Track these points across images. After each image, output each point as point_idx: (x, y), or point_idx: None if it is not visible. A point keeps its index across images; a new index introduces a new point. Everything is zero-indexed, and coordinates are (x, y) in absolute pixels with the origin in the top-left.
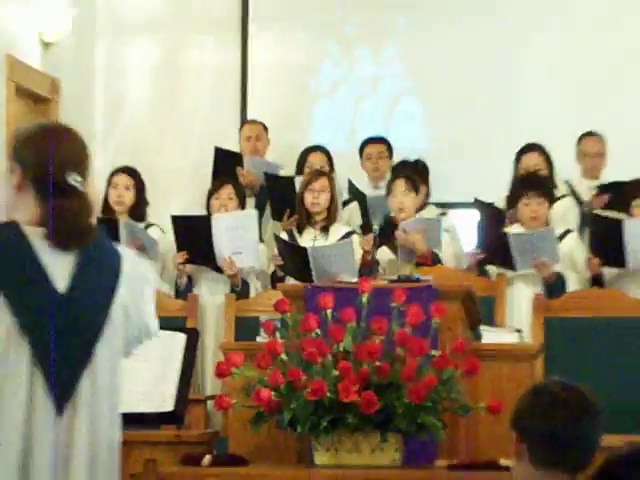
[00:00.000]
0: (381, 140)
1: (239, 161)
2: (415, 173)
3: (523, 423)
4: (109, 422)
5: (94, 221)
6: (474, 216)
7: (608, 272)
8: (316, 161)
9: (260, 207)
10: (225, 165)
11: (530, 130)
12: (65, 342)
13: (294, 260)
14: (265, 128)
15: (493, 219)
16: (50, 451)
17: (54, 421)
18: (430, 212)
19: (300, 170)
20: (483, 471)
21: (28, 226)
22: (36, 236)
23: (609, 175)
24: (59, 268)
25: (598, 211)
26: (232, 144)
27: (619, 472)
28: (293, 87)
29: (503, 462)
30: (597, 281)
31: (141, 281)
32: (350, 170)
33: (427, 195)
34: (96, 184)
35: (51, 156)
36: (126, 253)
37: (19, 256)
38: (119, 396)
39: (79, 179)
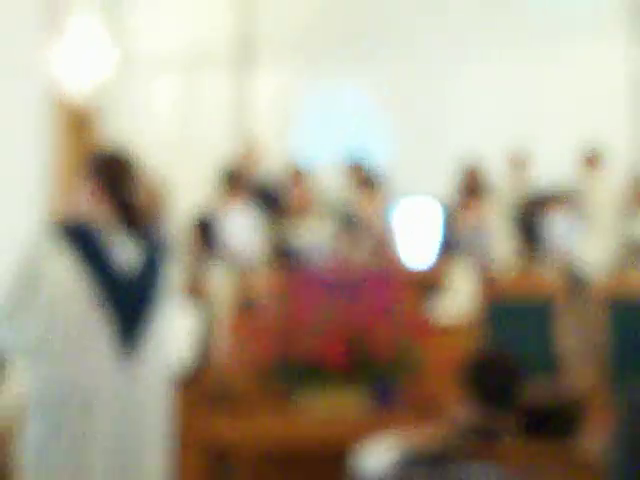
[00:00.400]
0: (356, 159)
1: (242, 177)
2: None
3: (466, 383)
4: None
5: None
6: (428, 213)
7: (530, 262)
8: (296, 178)
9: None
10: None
11: (470, 142)
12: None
13: (283, 253)
14: (260, 146)
15: (446, 216)
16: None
17: (119, 367)
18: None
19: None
20: (435, 418)
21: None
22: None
23: (532, 183)
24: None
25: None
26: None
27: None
28: (280, 112)
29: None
30: (524, 270)
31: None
32: (328, 179)
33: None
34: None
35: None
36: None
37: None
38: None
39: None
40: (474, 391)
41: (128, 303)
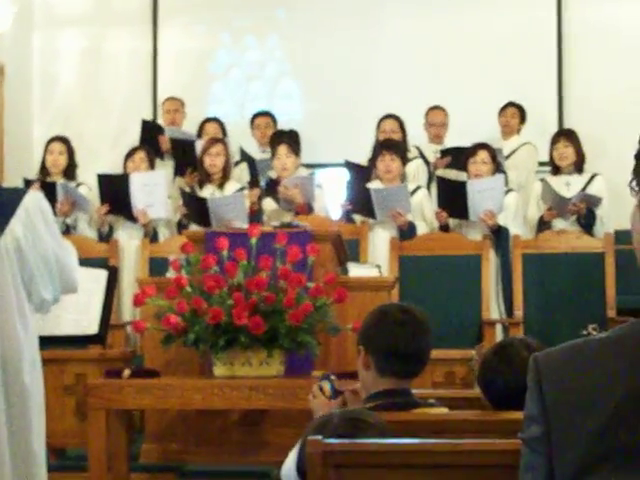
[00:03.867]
0: (267, 113)
1: (160, 131)
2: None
3: (370, 339)
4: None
5: None
6: (342, 175)
7: (452, 222)
8: (211, 130)
9: (174, 168)
10: (149, 134)
11: (387, 103)
12: None
13: (196, 210)
14: (182, 104)
15: (360, 176)
16: None
17: None
18: (301, 172)
19: (199, 136)
20: (349, 379)
21: None
22: None
23: (451, 141)
24: None
25: (442, 171)
26: (145, 116)
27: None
28: (194, 70)
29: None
30: (443, 229)
31: (48, 227)
32: (241, 137)
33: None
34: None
35: None
36: (30, 205)
37: None
38: (17, 322)
39: None
40: (371, 348)
41: None
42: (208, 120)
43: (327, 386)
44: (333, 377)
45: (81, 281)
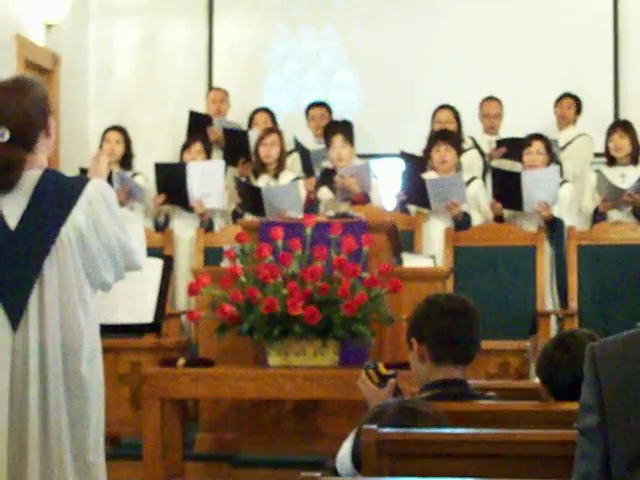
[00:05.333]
0: (322, 104)
1: (209, 122)
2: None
3: (421, 329)
4: (60, 331)
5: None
6: (396, 165)
7: (506, 213)
8: (260, 120)
9: (226, 158)
10: (198, 125)
11: (442, 93)
12: (16, 270)
13: (251, 199)
14: (227, 94)
15: (415, 167)
16: (7, 356)
17: (11, 336)
18: (356, 162)
19: (249, 127)
20: (404, 369)
21: None
22: None
23: (506, 132)
24: (11, 208)
25: (497, 162)
26: (200, 106)
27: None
28: (249, 60)
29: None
30: (498, 220)
31: (110, 213)
32: (297, 128)
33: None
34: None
35: None
36: (92, 194)
37: None
38: (78, 308)
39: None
40: (423, 337)
41: (13, 264)
42: (258, 110)
43: (373, 373)
44: (379, 363)
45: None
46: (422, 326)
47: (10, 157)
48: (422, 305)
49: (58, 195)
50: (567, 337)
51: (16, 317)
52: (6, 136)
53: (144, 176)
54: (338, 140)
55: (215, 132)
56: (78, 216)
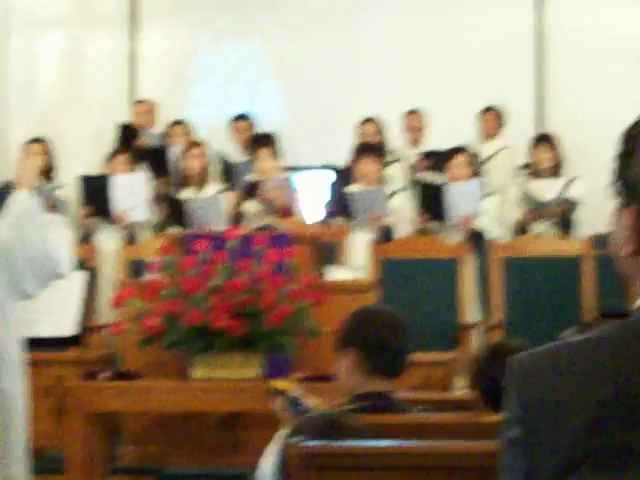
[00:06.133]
0: (247, 116)
1: (136, 134)
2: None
3: (357, 338)
4: None
5: None
6: (321, 177)
7: (430, 224)
8: (178, 132)
9: (151, 171)
10: (126, 137)
11: (367, 105)
12: None
13: (175, 212)
14: (153, 106)
15: (339, 179)
16: None
17: None
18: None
19: (167, 138)
20: (326, 382)
21: None
22: None
23: (430, 144)
24: None
25: (421, 174)
26: (124, 117)
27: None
28: (174, 72)
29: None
30: (423, 232)
31: (34, 225)
32: (221, 140)
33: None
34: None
35: None
36: (14, 207)
37: None
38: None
39: None
40: (354, 350)
41: None
42: (176, 123)
43: (289, 406)
44: (296, 395)
45: (58, 283)
46: (358, 335)
47: None
48: (359, 314)
49: None
50: (501, 348)
51: None
52: None
53: (64, 188)
54: (263, 153)
55: (144, 143)
56: (0, 229)
